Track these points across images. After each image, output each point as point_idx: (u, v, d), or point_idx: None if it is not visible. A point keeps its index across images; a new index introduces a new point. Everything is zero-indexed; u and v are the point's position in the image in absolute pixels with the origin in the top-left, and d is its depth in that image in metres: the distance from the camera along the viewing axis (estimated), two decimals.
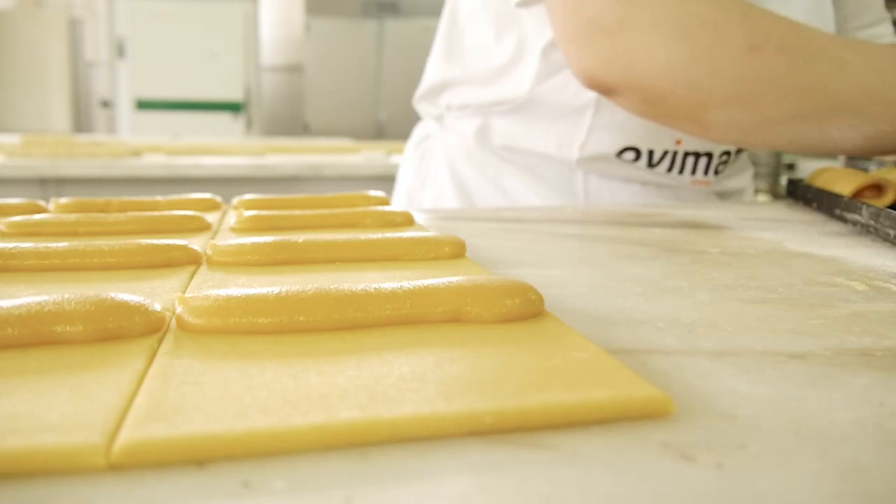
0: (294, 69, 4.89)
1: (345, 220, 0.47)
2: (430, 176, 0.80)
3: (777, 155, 3.75)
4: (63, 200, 0.51)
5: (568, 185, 0.72)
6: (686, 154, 0.70)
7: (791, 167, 3.78)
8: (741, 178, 0.79)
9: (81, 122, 4.81)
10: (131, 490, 0.15)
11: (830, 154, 0.51)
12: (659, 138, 0.68)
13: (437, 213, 0.60)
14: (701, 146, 0.70)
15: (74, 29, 4.71)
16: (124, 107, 4.49)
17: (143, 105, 4.47)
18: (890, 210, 0.46)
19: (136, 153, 1.77)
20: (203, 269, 0.34)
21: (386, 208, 0.49)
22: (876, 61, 0.53)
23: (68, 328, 0.23)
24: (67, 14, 4.67)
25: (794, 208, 0.63)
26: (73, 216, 0.44)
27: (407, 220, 0.48)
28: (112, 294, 0.24)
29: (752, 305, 0.31)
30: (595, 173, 0.71)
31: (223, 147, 1.99)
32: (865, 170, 0.62)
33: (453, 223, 0.53)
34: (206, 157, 1.78)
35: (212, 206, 0.54)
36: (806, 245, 0.46)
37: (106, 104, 4.71)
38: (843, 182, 0.58)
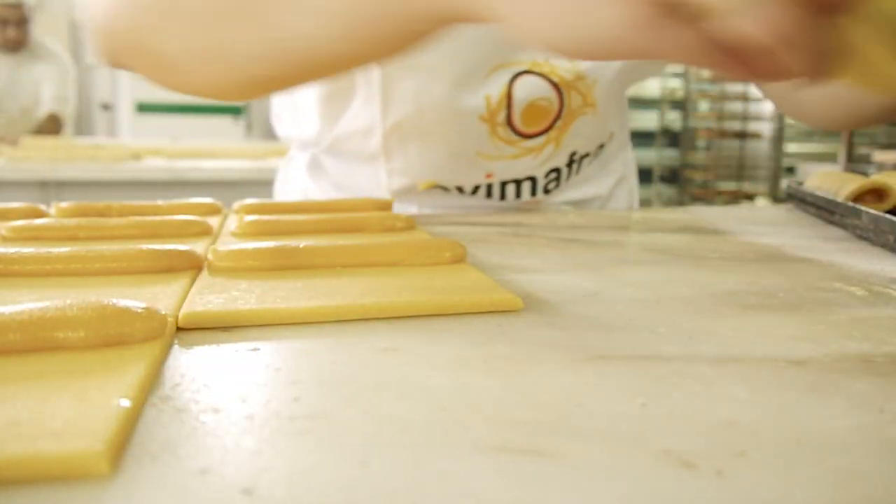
0: None
1: (346, 224, 0.47)
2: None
3: (777, 159, 3.75)
4: (64, 204, 0.51)
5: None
6: (504, 182, 0.68)
7: (791, 171, 3.78)
8: (599, 184, 0.75)
9: (82, 124, 4.81)
10: (132, 497, 0.15)
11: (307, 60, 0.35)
12: (461, 175, 0.66)
13: (438, 217, 0.60)
14: (519, 173, 0.67)
15: (76, 31, 4.72)
16: (125, 109, 4.50)
17: (144, 108, 4.47)
18: (890, 215, 0.46)
19: (137, 156, 1.77)
20: (204, 275, 0.34)
21: (387, 213, 0.49)
22: None
23: (70, 334, 0.23)
24: (69, 16, 4.67)
25: (794, 213, 0.63)
26: (74, 221, 0.44)
27: (409, 225, 0.48)
28: (114, 300, 0.24)
29: (751, 311, 0.31)
30: (426, 206, 0.69)
31: (223, 150, 2.00)
32: (866, 174, 0.62)
33: (454, 228, 0.53)
34: (207, 161, 1.79)
35: (212, 211, 0.54)
36: (806, 250, 0.46)
37: (106, 107, 4.71)
38: (844, 187, 0.58)
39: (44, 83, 2.53)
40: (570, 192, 0.73)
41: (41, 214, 0.50)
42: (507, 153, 0.66)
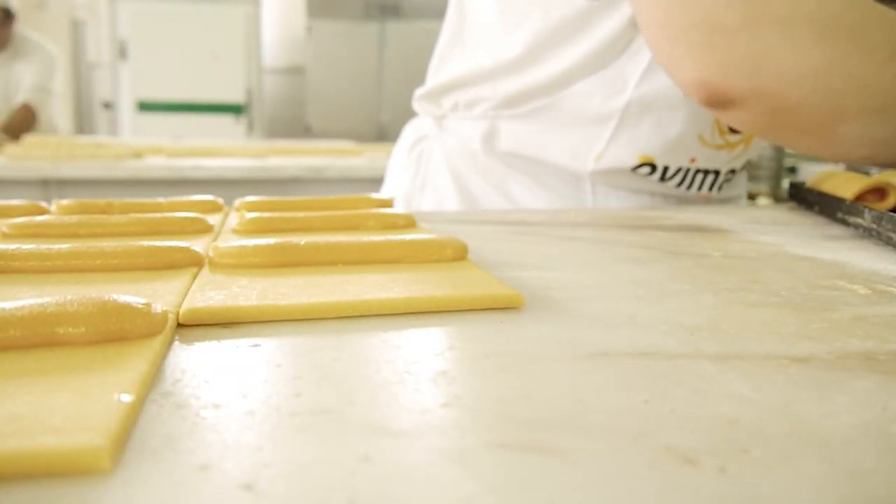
0: (295, 71, 4.90)
1: (347, 222, 0.47)
2: (430, 179, 0.77)
3: (779, 159, 3.75)
4: (65, 202, 0.51)
5: (576, 194, 0.70)
6: (697, 171, 0.69)
7: (793, 170, 3.78)
8: (740, 185, 0.79)
9: (83, 123, 4.82)
10: (133, 492, 0.15)
11: None
12: (675, 155, 0.67)
13: (440, 215, 0.60)
14: (712, 164, 0.69)
15: (76, 30, 4.72)
16: (126, 108, 4.50)
17: (145, 107, 4.47)
18: (892, 213, 0.46)
19: (138, 155, 1.77)
20: (205, 272, 0.34)
21: (388, 211, 0.49)
22: None
23: (70, 330, 0.23)
24: (70, 15, 4.67)
25: (797, 212, 0.63)
26: (74, 218, 0.44)
27: (409, 223, 0.48)
28: (114, 296, 0.24)
29: (754, 309, 0.31)
30: (604, 184, 0.70)
31: (225, 149, 2.00)
32: (867, 173, 0.62)
33: (456, 226, 0.53)
34: (208, 159, 1.79)
35: (213, 208, 0.54)
36: (808, 248, 0.46)
37: (108, 106, 4.71)
38: (846, 185, 0.58)
39: (26, 76, 2.48)
40: (726, 191, 0.75)
41: (42, 212, 0.50)
42: (715, 142, 0.66)
